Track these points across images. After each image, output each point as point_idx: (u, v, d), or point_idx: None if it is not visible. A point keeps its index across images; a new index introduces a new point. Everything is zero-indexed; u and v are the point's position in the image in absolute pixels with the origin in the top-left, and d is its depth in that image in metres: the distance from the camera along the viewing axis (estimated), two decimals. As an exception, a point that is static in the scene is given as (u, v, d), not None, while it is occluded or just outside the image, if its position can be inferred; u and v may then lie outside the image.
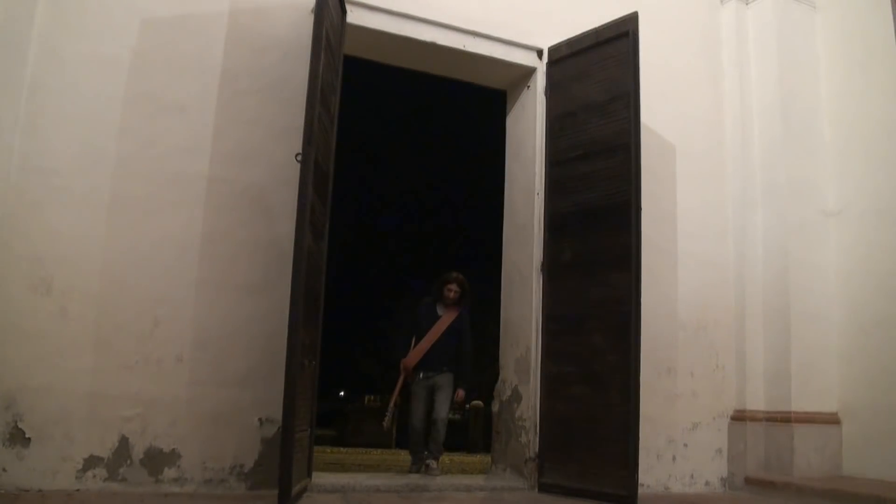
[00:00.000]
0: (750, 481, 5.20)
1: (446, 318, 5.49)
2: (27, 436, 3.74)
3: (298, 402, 3.65)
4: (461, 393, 5.46)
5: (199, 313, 4.17)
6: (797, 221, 5.52)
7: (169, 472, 3.97)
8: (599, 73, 4.88)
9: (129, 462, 3.90)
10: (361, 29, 4.82)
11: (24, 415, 3.75)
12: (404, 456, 5.40)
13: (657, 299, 5.14)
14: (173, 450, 4.00)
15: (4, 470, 3.68)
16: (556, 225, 5.00)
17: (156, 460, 3.95)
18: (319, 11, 3.99)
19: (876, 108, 5.49)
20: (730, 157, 5.83)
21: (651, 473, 5.01)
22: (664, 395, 5.22)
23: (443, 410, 5.38)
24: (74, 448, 3.82)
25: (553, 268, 4.97)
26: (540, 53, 5.31)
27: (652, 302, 4.87)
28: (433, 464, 5.21)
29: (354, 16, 4.75)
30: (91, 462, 3.84)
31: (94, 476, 3.83)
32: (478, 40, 5.14)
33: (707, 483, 5.29)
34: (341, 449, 10.93)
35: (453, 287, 5.53)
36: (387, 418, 5.49)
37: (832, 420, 5.35)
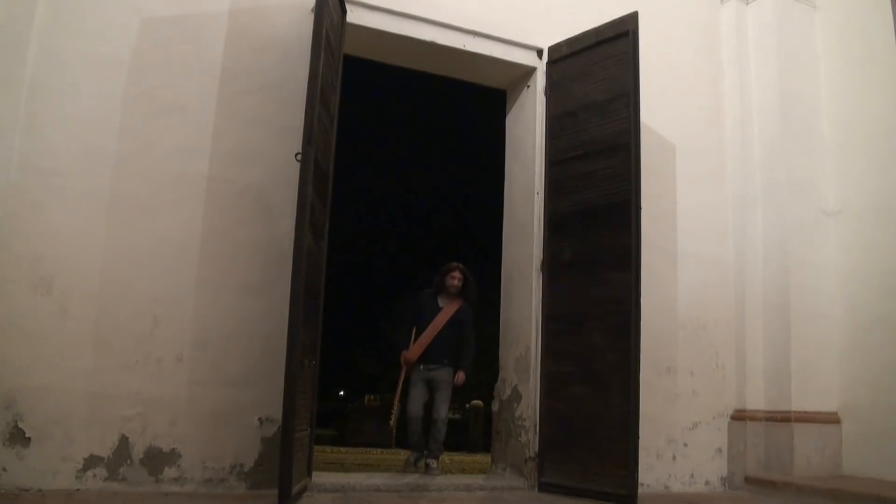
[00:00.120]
0: (750, 481, 5.20)
1: (448, 309, 5.43)
2: (27, 435, 3.74)
3: (298, 402, 3.65)
4: (461, 375, 5.37)
5: (199, 313, 4.17)
6: (797, 221, 5.53)
7: (169, 472, 3.97)
8: (599, 72, 4.88)
9: (129, 462, 3.90)
10: (361, 28, 4.82)
11: (24, 414, 3.75)
12: (404, 455, 5.38)
13: (657, 299, 5.14)
14: (173, 449, 4.00)
15: (4, 470, 3.68)
16: (555, 224, 5.00)
17: (156, 460, 3.95)
18: (319, 11, 3.99)
19: (876, 107, 5.49)
20: (730, 156, 5.83)
21: (651, 473, 5.01)
22: (664, 394, 5.22)
23: (443, 410, 5.37)
24: (74, 448, 3.82)
25: (553, 267, 4.97)
26: (540, 53, 5.31)
27: (652, 301, 4.87)
28: (433, 463, 5.21)
29: (354, 15, 4.75)
30: (91, 462, 3.84)
31: (95, 476, 3.83)
32: (478, 40, 5.14)
33: (707, 482, 5.29)
34: (341, 448, 10.92)
35: (457, 275, 5.48)
36: (393, 416, 5.45)
37: (832, 419, 5.35)
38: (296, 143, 3.99)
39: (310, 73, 3.92)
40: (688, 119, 5.73)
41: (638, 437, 4.32)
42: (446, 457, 6.96)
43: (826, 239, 5.62)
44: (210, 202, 4.29)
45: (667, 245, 5.45)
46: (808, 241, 5.54)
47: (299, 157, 3.85)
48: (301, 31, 4.51)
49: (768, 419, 5.31)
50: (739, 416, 5.42)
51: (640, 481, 4.36)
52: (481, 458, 8.33)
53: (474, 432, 14.71)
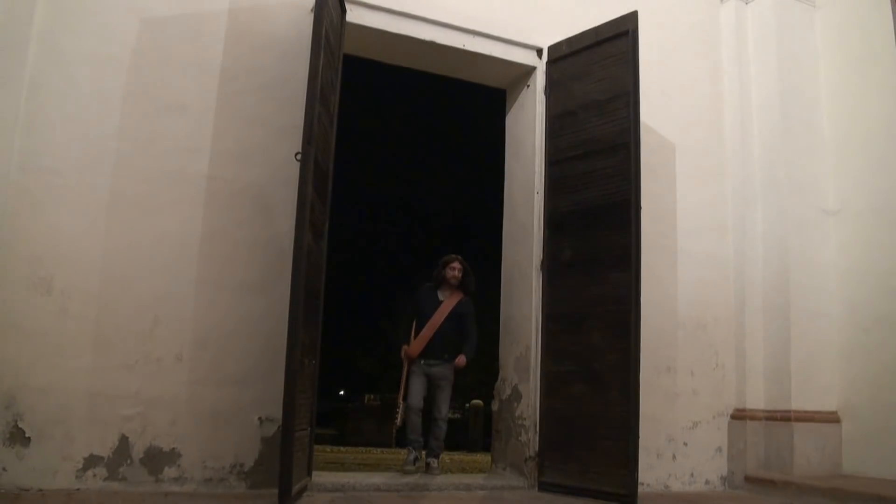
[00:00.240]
0: (750, 480, 5.20)
1: (448, 302, 5.38)
2: (27, 435, 3.74)
3: (298, 401, 3.65)
4: (462, 359, 5.29)
5: (198, 312, 4.17)
6: (797, 219, 5.53)
7: (169, 472, 3.97)
8: (599, 71, 4.88)
9: (129, 461, 3.90)
10: (361, 28, 4.82)
11: (24, 414, 3.75)
12: (405, 455, 5.36)
13: (657, 298, 5.14)
14: (173, 449, 4.00)
15: (4, 469, 3.67)
16: (555, 223, 5.00)
17: (156, 459, 3.95)
18: (319, 10, 3.99)
19: (875, 105, 5.49)
20: (729, 154, 5.83)
21: (651, 472, 5.02)
22: (664, 393, 5.22)
23: (444, 409, 5.35)
24: (74, 447, 3.82)
25: (553, 266, 4.97)
26: (539, 52, 5.31)
27: (652, 300, 4.87)
28: (433, 462, 5.20)
29: (354, 14, 4.75)
30: (91, 461, 3.84)
31: (95, 475, 3.83)
32: (477, 39, 5.14)
33: (707, 482, 5.29)
34: (341, 448, 10.92)
35: (456, 266, 5.42)
36: (399, 415, 5.40)
37: (832, 418, 5.35)
38: (296, 142, 3.99)
39: (309, 73, 3.92)
40: (688, 118, 5.74)
41: (638, 437, 4.32)
42: (446, 456, 6.96)
43: (826, 238, 5.63)
44: (210, 201, 4.29)
45: (667, 244, 5.45)
46: (808, 239, 5.54)
47: (299, 156, 3.85)
48: (301, 30, 4.51)
49: (768, 418, 5.31)
50: (739, 416, 5.42)
51: (640, 481, 4.36)
52: (481, 458, 8.34)
53: (474, 432, 14.71)
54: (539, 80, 5.30)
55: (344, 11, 4.63)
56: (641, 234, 4.54)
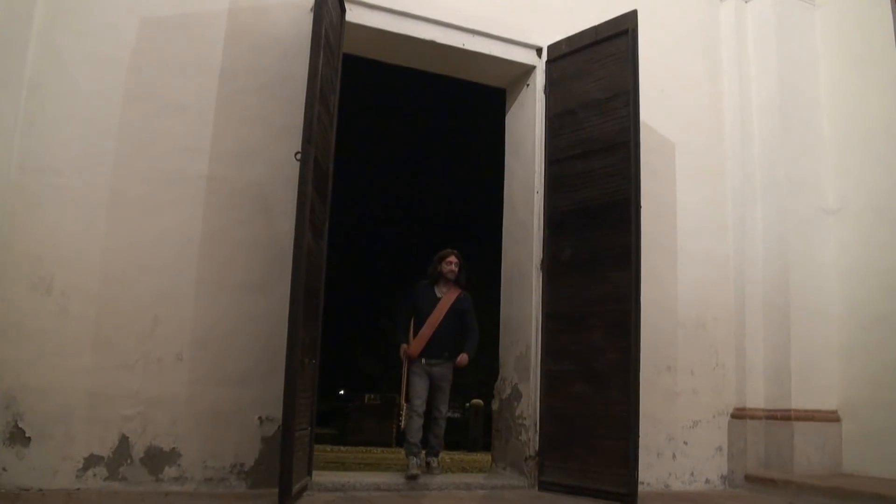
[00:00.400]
0: (750, 479, 5.20)
1: (447, 298, 5.25)
2: (27, 435, 3.74)
3: (298, 401, 3.65)
4: (464, 357, 5.17)
5: (198, 312, 4.17)
6: (797, 218, 5.53)
7: (169, 471, 3.97)
8: (599, 70, 4.88)
9: (129, 461, 3.90)
10: (361, 27, 4.82)
11: (24, 414, 3.75)
12: (404, 456, 5.34)
13: (657, 297, 5.15)
14: (173, 449, 4.00)
15: (5, 469, 3.68)
16: (555, 223, 5.00)
17: (156, 459, 3.96)
18: (319, 10, 3.98)
19: (875, 105, 5.49)
20: (729, 154, 5.83)
21: (651, 471, 5.02)
22: (664, 392, 5.23)
23: (443, 408, 5.31)
24: (75, 447, 3.82)
25: (553, 266, 4.97)
26: (539, 51, 5.31)
27: (652, 299, 4.87)
28: (434, 461, 5.19)
29: (354, 14, 4.75)
30: (91, 461, 3.84)
31: (95, 475, 3.83)
32: (477, 38, 5.14)
33: (707, 481, 5.29)
34: (341, 447, 10.91)
35: (453, 260, 5.28)
36: (403, 417, 5.37)
37: (832, 417, 5.35)
38: (295, 142, 3.99)
39: (309, 72, 3.92)
40: (687, 117, 5.73)
41: (638, 436, 4.33)
42: (446, 455, 6.96)
43: (826, 237, 5.63)
44: (210, 201, 4.29)
45: (667, 243, 5.45)
46: (807, 238, 5.55)
47: (299, 156, 3.85)
48: (300, 29, 4.51)
49: (768, 417, 5.32)
50: (739, 415, 5.42)
51: (640, 480, 4.37)
52: (481, 457, 8.34)
53: (474, 431, 14.69)
54: (539, 79, 5.30)
55: (343, 11, 4.63)
56: (641, 233, 4.54)
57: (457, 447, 11.41)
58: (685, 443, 5.26)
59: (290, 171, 4.07)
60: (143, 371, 4.00)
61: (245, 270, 4.30)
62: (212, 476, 4.05)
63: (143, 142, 4.20)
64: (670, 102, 5.63)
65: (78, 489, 3.76)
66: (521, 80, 5.51)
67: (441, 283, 5.30)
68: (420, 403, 5.09)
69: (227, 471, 4.09)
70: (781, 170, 5.57)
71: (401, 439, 10.65)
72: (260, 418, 4.18)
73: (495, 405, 5.43)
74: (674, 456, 5.20)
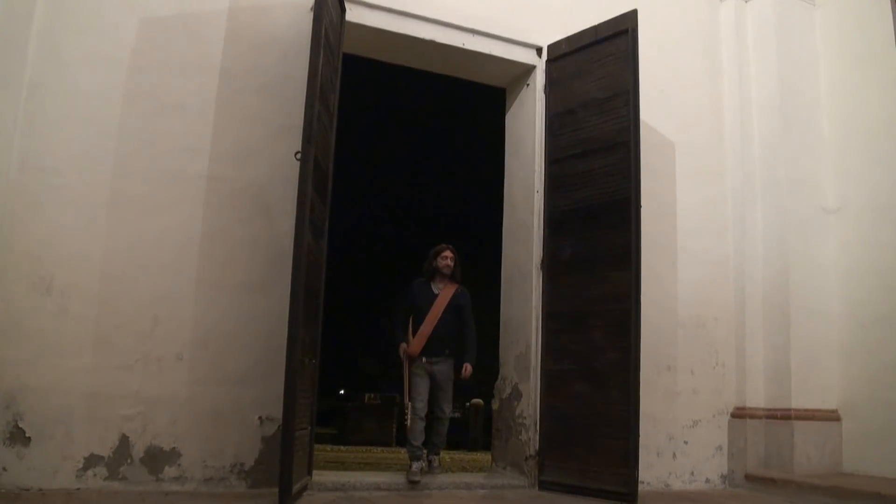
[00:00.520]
0: (750, 478, 5.20)
1: (444, 294, 5.18)
2: (27, 435, 3.74)
3: (299, 401, 3.65)
4: (468, 368, 5.12)
5: (198, 312, 4.17)
6: (797, 218, 5.53)
7: (169, 471, 3.97)
8: (599, 70, 4.88)
9: (129, 461, 3.91)
10: (360, 27, 4.82)
11: (24, 414, 3.75)
12: (405, 454, 5.33)
13: (657, 296, 5.15)
14: (174, 448, 4.00)
15: (5, 469, 3.68)
16: (555, 222, 5.00)
17: (156, 459, 3.96)
18: (318, 9, 3.98)
19: (875, 104, 5.49)
20: (729, 153, 5.83)
21: (651, 471, 5.02)
22: (664, 392, 5.23)
23: (446, 408, 5.28)
24: (75, 447, 3.82)
25: (553, 265, 4.97)
26: (539, 51, 5.31)
27: (652, 299, 4.88)
28: (435, 460, 5.19)
29: (354, 14, 4.74)
30: (91, 461, 3.84)
31: (95, 475, 3.83)
32: (477, 38, 5.14)
33: (707, 480, 5.30)
34: (342, 447, 10.91)
35: (449, 255, 5.21)
36: (408, 417, 5.33)
37: (832, 417, 5.36)
38: (295, 141, 3.99)
39: (309, 72, 3.92)
40: (687, 117, 5.73)
41: (638, 435, 4.33)
42: (447, 455, 6.96)
43: (826, 236, 5.63)
44: (210, 201, 4.29)
45: (667, 243, 5.45)
46: (808, 238, 5.55)
47: (299, 155, 3.85)
48: (300, 29, 4.51)
49: (768, 417, 5.32)
50: (740, 414, 5.42)
51: (640, 479, 4.37)
52: (481, 457, 8.34)
53: (474, 430, 14.69)
54: (539, 78, 5.30)
55: (343, 10, 4.63)
56: (641, 232, 4.54)
57: (457, 446, 11.42)
58: (685, 442, 5.26)
59: (290, 170, 4.07)
60: (142, 371, 4.00)
61: (245, 270, 4.30)
62: (212, 476, 4.05)
63: (143, 142, 4.20)
64: (670, 102, 5.63)
65: (78, 489, 3.76)
66: (521, 80, 5.51)
67: (437, 278, 5.24)
68: (422, 406, 5.04)
69: (227, 470, 4.09)
70: (781, 169, 5.57)
71: (401, 439, 10.64)
72: (260, 418, 4.18)
73: (495, 405, 5.43)
74: (674, 455, 5.20)
